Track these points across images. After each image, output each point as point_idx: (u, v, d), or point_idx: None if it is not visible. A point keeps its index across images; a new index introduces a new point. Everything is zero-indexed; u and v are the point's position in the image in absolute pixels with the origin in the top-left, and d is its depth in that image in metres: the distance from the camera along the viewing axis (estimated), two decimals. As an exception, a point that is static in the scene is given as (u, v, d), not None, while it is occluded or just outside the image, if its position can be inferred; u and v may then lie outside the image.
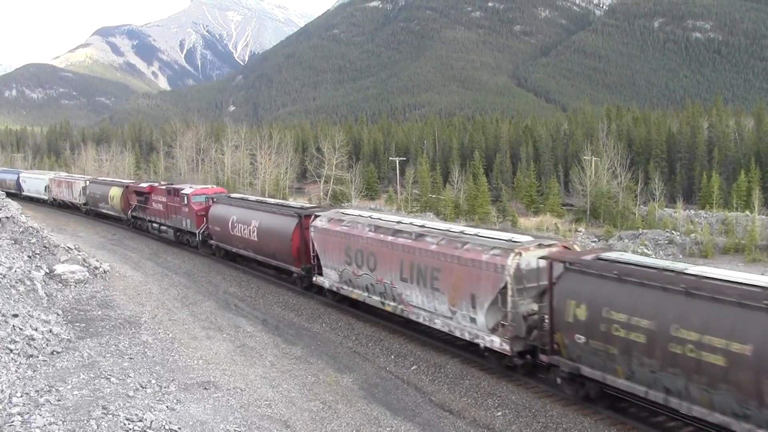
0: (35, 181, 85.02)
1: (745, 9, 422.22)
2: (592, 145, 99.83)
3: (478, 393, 21.50)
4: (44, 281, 32.06)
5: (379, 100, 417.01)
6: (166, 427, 16.66)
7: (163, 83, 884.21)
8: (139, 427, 16.16)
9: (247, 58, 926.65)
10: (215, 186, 55.72)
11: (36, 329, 23.63)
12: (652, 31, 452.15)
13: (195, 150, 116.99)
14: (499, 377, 22.46)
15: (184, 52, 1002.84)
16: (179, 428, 16.98)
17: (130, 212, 57.80)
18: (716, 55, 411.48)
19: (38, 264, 34.51)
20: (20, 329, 22.86)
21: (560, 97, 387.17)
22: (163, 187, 51.57)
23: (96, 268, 37.39)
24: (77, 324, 27.00)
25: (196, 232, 45.72)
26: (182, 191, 47.05)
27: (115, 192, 60.71)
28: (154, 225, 52.72)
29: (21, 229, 39.67)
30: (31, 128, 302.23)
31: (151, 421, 16.62)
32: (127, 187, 59.48)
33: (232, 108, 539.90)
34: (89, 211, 68.56)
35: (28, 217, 45.13)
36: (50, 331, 24.29)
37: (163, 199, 50.37)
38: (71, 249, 39.06)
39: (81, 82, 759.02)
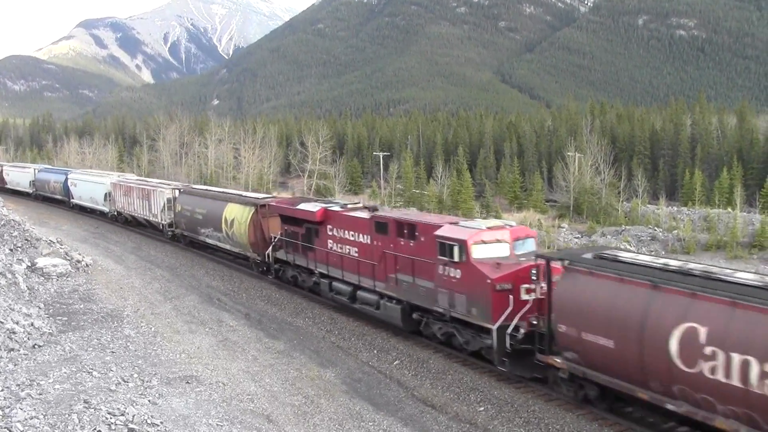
0: (91, 185, 63.49)
1: (728, 7, 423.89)
2: (576, 141, 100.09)
3: (460, 388, 21.56)
4: (26, 274, 31.91)
5: (363, 94, 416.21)
6: (148, 422, 16.63)
7: (146, 76, 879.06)
8: (120, 421, 16.12)
9: (231, 52, 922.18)
10: (509, 222, 25.77)
11: (17, 323, 23.52)
12: (636, 28, 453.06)
13: (178, 144, 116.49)
14: (482, 372, 22.55)
15: (168, 45, 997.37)
16: (161, 422, 16.95)
17: (269, 252, 35.51)
18: (700, 52, 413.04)
19: (20, 257, 34.35)
20: (1, 323, 22.75)
21: (544, 94, 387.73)
22: (364, 215, 28.58)
23: (78, 261, 37.24)
24: (59, 317, 26.89)
25: (492, 327, 21.26)
26: (438, 230, 23.63)
27: (237, 212, 38.20)
28: (340, 285, 29.88)
29: (2, 222, 39.48)
30: (14, 120, 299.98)
31: (133, 416, 16.58)
32: (262, 206, 36.84)
33: (216, 102, 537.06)
34: (179, 238, 47.77)
35: (9, 210, 44.90)
36: (32, 324, 24.19)
37: (365, 239, 27.82)
38: (53, 242, 38.92)
39: (64, 75, 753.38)
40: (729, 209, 76.96)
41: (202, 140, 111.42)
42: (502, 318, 21.03)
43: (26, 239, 37.66)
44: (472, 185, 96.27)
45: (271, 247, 35.33)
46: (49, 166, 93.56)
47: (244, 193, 46.09)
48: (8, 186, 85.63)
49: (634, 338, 16.74)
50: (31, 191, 79.44)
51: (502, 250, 22.29)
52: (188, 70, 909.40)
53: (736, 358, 14.47)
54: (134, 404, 17.77)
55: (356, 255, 28.16)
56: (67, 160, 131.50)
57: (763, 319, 14.23)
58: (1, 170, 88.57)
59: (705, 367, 15.10)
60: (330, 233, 30.09)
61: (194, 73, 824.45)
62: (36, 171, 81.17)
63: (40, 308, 27.41)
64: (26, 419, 15.31)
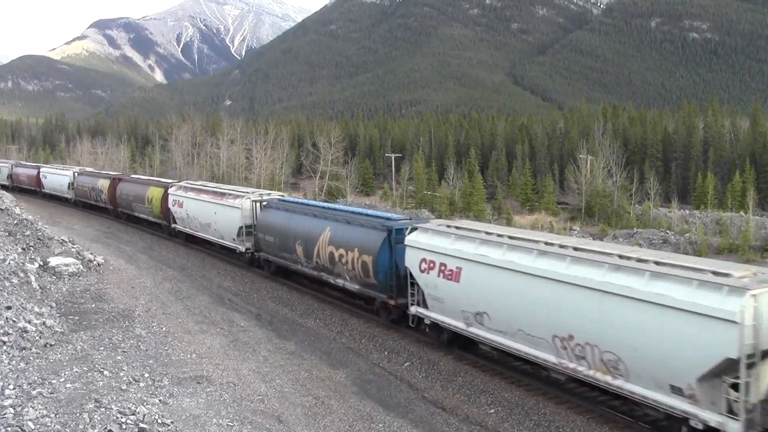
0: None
1: (742, 10, 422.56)
2: (588, 143, 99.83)
3: (471, 390, 21.53)
4: (38, 274, 32.01)
5: (375, 96, 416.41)
6: (159, 421, 16.64)
7: (159, 77, 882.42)
8: (131, 420, 16.13)
9: (243, 53, 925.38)
10: None
11: (29, 321, 23.59)
12: (649, 30, 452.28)
13: (191, 144, 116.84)
14: (492, 374, 22.51)
15: (181, 45, 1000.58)
16: (172, 422, 16.97)
17: None
18: (712, 55, 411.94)
19: (32, 256, 34.46)
20: (13, 321, 22.83)
21: (557, 96, 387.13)
22: None
23: (90, 260, 37.34)
24: (71, 317, 26.96)
25: None
26: None
27: None
28: None
29: (15, 221, 39.68)
30: (27, 120, 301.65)
31: (144, 415, 16.60)
32: None
33: (228, 102, 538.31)
34: None
35: (22, 209, 45.09)
36: (43, 323, 24.25)
37: None
38: (65, 241, 39.00)
39: (77, 75, 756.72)
40: (741, 212, 76.66)
41: (214, 141, 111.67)
42: None
43: (38, 238, 37.78)
44: (483, 187, 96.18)
45: None
46: (286, 196, 43.06)
47: None
48: (179, 228, 48.82)
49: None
50: (244, 248, 39.38)
51: None
52: (201, 70, 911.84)
53: None
54: (145, 404, 17.79)
55: None
56: (79, 159, 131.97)
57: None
58: (177, 201, 48.27)
59: None
60: None
61: (207, 73, 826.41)
62: (258, 206, 38.70)
63: (51, 307, 27.49)
64: (38, 418, 15.35)
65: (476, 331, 22.49)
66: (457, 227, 24.31)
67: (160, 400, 18.73)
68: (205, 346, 24.96)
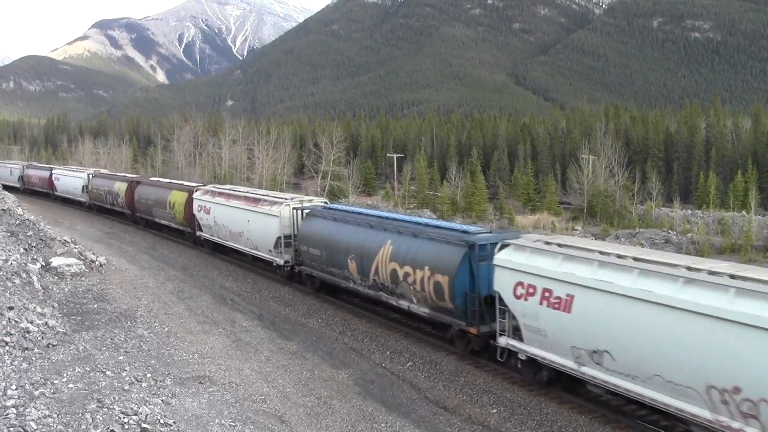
0: None
1: (744, 10, 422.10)
2: (590, 143, 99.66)
3: (473, 390, 21.52)
4: (40, 274, 32.04)
5: (377, 96, 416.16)
6: (161, 421, 16.64)
7: (161, 77, 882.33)
8: (134, 420, 16.13)
9: (245, 53, 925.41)
10: None
11: (32, 322, 23.60)
12: (651, 30, 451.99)
13: (192, 144, 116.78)
14: (495, 375, 22.51)
15: (183, 45, 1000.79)
16: (174, 422, 16.97)
17: None
18: (715, 55, 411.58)
19: (34, 257, 34.48)
20: (16, 322, 22.84)
21: (558, 96, 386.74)
22: None
23: (92, 261, 37.36)
24: (73, 317, 26.97)
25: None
26: None
27: None
28: None
29: (17, 222, 39.70)
30: (29, 120, 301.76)
31: (146, 415, 16.60)
32: None
33: (230, 102, 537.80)
34: None
35: (24, 210, 45.10)
36: (46, 323, 24.27)
37: None
38: (67, 242, 39.02)
39: (79, 75, 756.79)
40: (743, 212, 76.58)
41: (216, 141, 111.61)
42: None
43: (41, 239, 37.81)
44: (485, 187, 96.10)
45: None
46: (330, 203, 39.46)
47: None
48: (206, 236, 45.08)
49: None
50: (282, 261, 35.74)
51: None
52: (202, 70, 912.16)
53: None
54: (147, 404, 17.79)
55: None
56: (81, 160, 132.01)
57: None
58: (204, 207, 44.38)
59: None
60: None
61: (208, 73, 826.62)
62: (299, 213, 35.10)
63: (54, 308, 27.50)
64: (40, 418, 15.35)
65: (592, 372, 18.45)
66: (559, 244, 20.21)
67: (162, 401, 18.74)
68: (207, 347, 24.98)
